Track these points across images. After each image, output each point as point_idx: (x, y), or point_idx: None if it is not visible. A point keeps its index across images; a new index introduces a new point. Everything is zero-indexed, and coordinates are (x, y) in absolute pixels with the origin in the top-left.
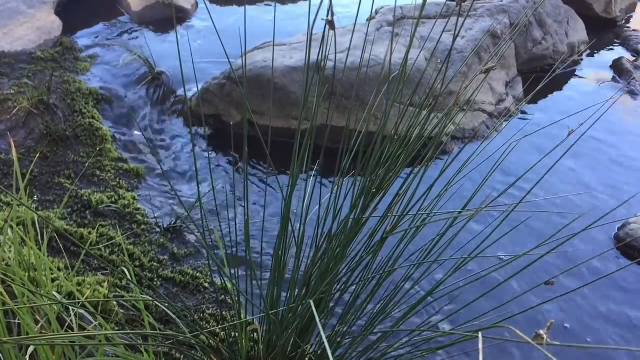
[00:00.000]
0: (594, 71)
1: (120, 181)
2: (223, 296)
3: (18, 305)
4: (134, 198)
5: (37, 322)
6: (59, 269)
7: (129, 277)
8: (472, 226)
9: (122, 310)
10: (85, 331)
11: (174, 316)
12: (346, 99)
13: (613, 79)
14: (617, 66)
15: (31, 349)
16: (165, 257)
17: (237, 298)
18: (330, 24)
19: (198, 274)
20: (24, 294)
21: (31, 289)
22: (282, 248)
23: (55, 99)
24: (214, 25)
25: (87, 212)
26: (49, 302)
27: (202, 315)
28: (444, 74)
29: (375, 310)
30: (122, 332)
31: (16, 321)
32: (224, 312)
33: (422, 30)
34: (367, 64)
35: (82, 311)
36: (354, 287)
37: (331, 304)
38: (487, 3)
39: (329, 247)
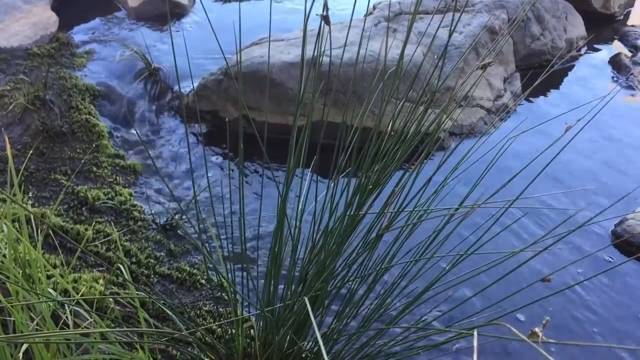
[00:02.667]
0: (592, 67)
1: (117, 177)
2: (220, 293)
3: (12, 302)
4: (130, 194)
5: (32, 319)
6: (55, 266)
7: (125, 274)
8: (470, 223)
9: (118, 307)
10: (81, 328)
11: (170, 313)
12: (343, 95)
13: (612, 75)
14: (615, 62)
15: (25, 346)
16: (162, 253)
17: (233, 295)
18: (325, 19)
19: (195, 271)
20: (18, 291)
21: (26, 286)
22: (278, 244)
23: (52, 95)
24: (209, 21)
25: (84, 208)
26: (44, 300)
27: (198, 312)
28: (441, 69)
29: (371, 307)
30: (117, 329)
31: (11, 319)
32: (220, 309)
33: (419, 26)
34: (364, 60)
35: (77, 308)
36: (350, 284)
37: (327, 301)
38: None
39: (325, 244)
